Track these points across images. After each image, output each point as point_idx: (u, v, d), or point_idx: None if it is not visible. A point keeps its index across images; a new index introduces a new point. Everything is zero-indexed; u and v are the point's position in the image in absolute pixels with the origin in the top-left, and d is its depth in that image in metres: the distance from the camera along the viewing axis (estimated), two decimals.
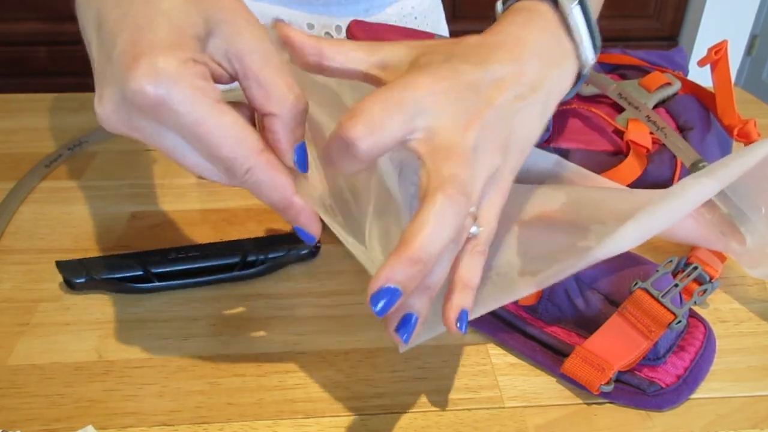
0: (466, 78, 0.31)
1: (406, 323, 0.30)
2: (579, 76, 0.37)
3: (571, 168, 0.45)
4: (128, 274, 0.44)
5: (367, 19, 0.65)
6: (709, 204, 0.41)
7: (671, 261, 0.39)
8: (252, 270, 0.46)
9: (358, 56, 0.33)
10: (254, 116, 0.32)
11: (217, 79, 0.29)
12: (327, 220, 0.34)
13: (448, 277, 0.31)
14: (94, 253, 0.50)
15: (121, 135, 0.29)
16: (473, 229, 0.31)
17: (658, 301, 0.37)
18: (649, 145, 0.51)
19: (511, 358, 0.41)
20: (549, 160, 0.45)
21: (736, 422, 0.36)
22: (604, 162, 0.51)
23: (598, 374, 0.36)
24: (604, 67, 0.61)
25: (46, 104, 0.75)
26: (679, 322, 0.36)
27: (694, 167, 0.47)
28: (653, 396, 0.37)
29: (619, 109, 0.55)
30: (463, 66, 0.31)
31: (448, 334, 0.31)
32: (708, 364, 0.39)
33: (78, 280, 0.44)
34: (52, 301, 0.45)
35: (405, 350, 0.32)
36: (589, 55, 0.36)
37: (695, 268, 0.42)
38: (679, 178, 0.49)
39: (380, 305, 0.27)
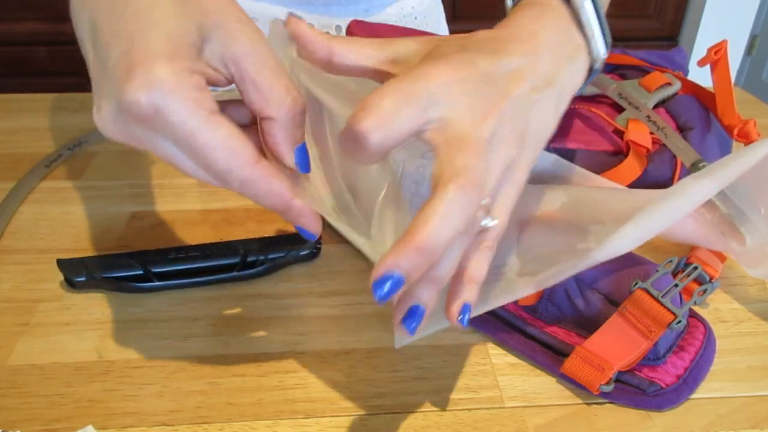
0: (482, 68, 0.30)
1: (412, 315, 0.29)
2: (590, 72, 0.36)
3: (571, 168, 0.45)
4: (128, 273, 0.45)
5: (367, 19, 0.65)
6: (709, 204, 0.41)
7: (671, 261, 0.39)
8: (252, 270, 0.46)
9: (369, 53, 0.33)
10: (254, 116, 0.32)
11: (214, 84, 0.29)
12: (332, 222, 0.34)
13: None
14: (94, 252, 0.50)
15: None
16: (485, 221, 0.30)
17: (658, 301, 0.37)
18: (649, 145, 0.50)
19: (511, 358, 0.41)
20: (548, 160, 0.45)
21: (736, 422, 0.36)
22: (604, 162, 0.51)
23: (598, 374, 0.36)
24: (604, 67, 0.60)
25: (46, 104, 0.75)
26: (679, 322, 0.36)
27: (694, 167, 0.47)
28: (653, 396, 0.37)
29: (619, 109, 0.55)
30: (478, 57, 0.30)
31: (448, 331, 0.31)
32: (708, 364, 0.39)
33: (78, 279, 0.44)
34: (52, 301, 0.45)
35: (402, 346, 0.31)
36: (601, 50, 0.35)
37: (695, 268, 0.42)
38: (679, 178, 0.48)
39: (383, 290, 0.27)
